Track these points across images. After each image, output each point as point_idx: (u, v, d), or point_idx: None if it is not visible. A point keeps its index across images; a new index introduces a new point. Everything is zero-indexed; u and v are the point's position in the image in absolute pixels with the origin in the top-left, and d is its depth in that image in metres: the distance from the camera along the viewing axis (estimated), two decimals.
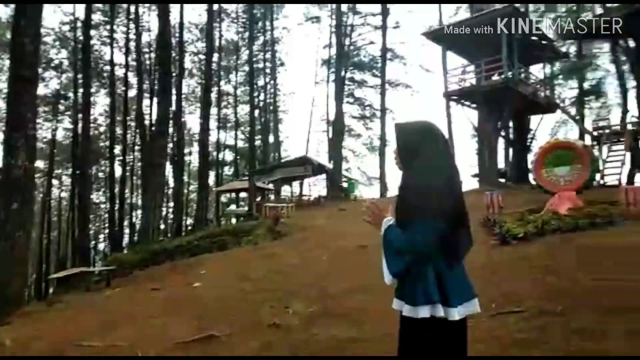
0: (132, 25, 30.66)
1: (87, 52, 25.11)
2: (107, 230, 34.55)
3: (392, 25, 34.08)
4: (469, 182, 24.23)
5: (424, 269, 1.84)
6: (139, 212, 27.91)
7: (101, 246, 41.86)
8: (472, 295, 1.93)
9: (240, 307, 5.82)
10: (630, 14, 14.48)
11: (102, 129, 36.21)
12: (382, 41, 32.79)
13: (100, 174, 39.04)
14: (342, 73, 31.63)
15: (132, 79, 31.55)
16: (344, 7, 32.70)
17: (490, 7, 19.63)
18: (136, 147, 33.65)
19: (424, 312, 1.80)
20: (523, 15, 19.78)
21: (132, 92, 31.71)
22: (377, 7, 34.12)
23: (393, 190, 22.51)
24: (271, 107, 39.72)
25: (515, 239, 7.75)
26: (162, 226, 32.15)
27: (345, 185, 27.79)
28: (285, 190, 33.63)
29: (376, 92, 36.23)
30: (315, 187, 37.23)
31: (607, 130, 20.43)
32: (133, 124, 32.52)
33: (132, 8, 30.13)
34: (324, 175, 29.69)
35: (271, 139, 39.52)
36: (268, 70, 39.85)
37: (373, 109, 38.05)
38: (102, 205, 41.31)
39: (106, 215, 35.98)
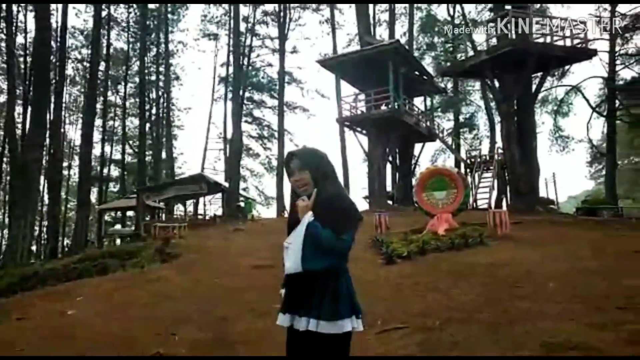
0: (2, 24, 27.45)
1: None
2: None
3: (290, 50, 35.09)
4: (360, 203, 25.49)
5: (340, 281, 1.88)
6: (6, 231, 24.69)
7: None
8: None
9: (120, 337, 5.37)
10: (494, 57, 16.50)
11: None
12: (279, 64, 33.48)
13: None
14: (241, 92, 31.48)
15: (2, 83, 28.16)
16: (242, 27, 32.82)
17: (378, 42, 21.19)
18: (4, 159, 29.91)
19: (348, 325, 1.81)
20: (407, 52, 21.61)
21: (1, 98, 28.25)
22: (274, 31, 34.87)
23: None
24: (164, 122, 37.99)
25: (400, 257, 8.27)
26: (34, 248, 28.70)
27: (242, 204, 27.40)
28: (179, 209, 32.19)
29: (274, 113, 36.72)
30: (212, 206, 36.24)
31: (478, 159, 23.04)
32: (1, 133, 28.92)
33: (4, 5, 27.01)
34: (220, 195, 29.00)
35: (164, 154, 37.68)
36: (161, 84, 38.23)
37: (271, 129, 38.42)
38: None
39: None
